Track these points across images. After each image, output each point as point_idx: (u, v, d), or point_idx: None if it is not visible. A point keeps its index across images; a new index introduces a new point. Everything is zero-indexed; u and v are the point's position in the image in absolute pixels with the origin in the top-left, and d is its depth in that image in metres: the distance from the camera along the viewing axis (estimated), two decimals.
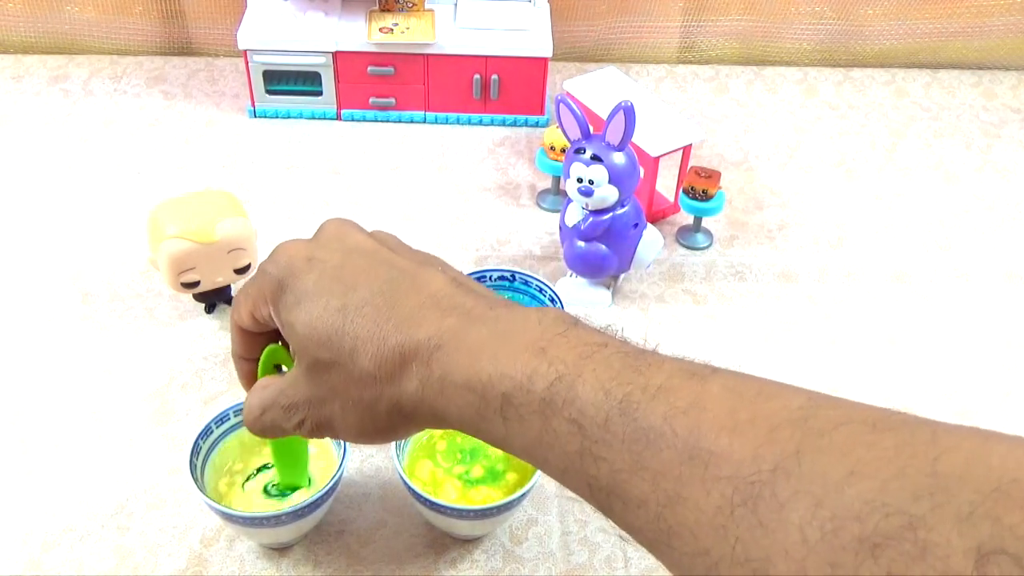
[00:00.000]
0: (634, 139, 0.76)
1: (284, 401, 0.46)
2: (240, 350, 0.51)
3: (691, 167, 0.89)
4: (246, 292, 0.48)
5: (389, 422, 0.42)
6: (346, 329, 0.42)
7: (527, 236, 0.92)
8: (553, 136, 0.90)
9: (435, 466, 0.67)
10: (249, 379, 0.52)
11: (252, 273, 0.79)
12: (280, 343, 0.52)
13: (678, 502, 0.32)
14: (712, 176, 0.87)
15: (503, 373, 0.38)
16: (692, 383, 0.34)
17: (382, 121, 1.05)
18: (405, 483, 0.63)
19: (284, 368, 0.53)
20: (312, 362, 0.43)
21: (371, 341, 0.41)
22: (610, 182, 0.76)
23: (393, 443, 0.65)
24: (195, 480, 0.62)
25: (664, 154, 0.88)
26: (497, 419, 0.38)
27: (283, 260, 0.46)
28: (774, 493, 0.30)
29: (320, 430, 0.45)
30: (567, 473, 0.37)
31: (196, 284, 0.77)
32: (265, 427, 0.47)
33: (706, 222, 0.92)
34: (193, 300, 0.82)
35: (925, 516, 0.26)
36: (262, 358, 0.52)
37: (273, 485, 0.66)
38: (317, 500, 0.62)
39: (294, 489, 0.65)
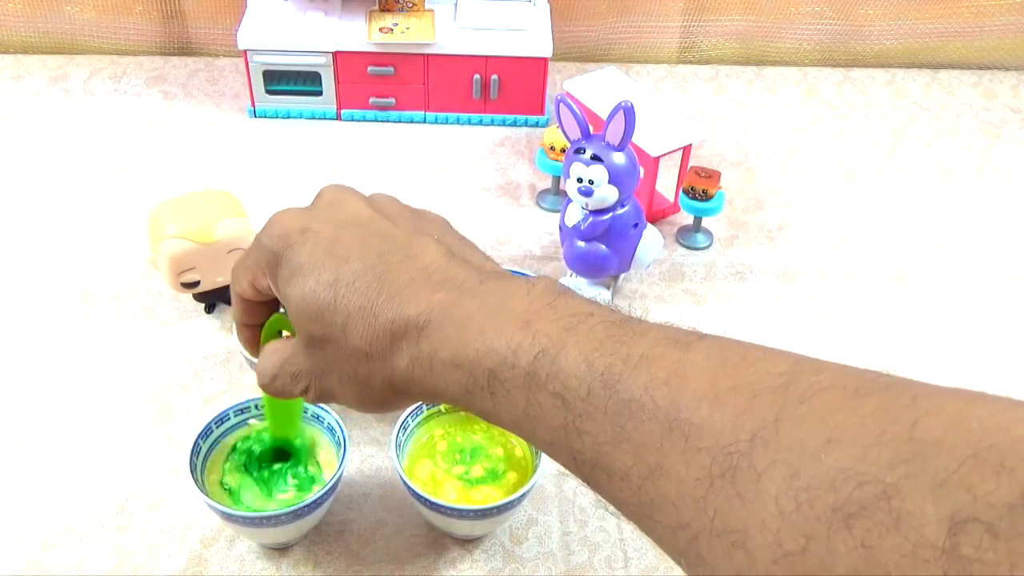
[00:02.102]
0: (634, 139, 0.76)
1: (290, 369, 0.46)
2: (243, 317, 0.51)
3: (691, 167, 0.89)
4: (244, 264, 0.48)
5: (384, 395, 0.43)
6: (338, 304, 0.42)
7: (527, 236, 0.92)
8: (553, 136, 0.90)
9: (435, 466, 0.67)
10: (252, 345, 0.52)
11: None
12: (283, 311, 0.52)
13: (659, 474, 0.32)
14: (712, 176, 0.87)
15: (490, 348, 0.38)
16: (675, 351, 0.34)
17: (382, 121, 1.05)
18: (405, 483, 0.63)
19: (285, 334, 0.52)
20: (308, 336, 0.44)
21: (362, 317, 0.41)
22: (610, 182, 0.76)
23: (393, 443, 0.65)
24: (195, 480, 0.62)
25: (664, 154, 0.88)
26: (485, 395, 0.38)
27: (277, 231, 0.45)
28: (752, 463, 0.29)
29: (324, 398, 0.46)
30: (553, 446, 0.37)
31: (196, 284, 0.77)
32: (277, 391, 0.47)
33: (706, 222, 0.92)
34: (193, 300, 0.82)
35: (899, 484, 0.26)
36: (266, 326, 0.52)
37: (257, 458, 0.65)
38: (317, 500, 0.62)
39: (279, 446, 0.64)
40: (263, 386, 0.48)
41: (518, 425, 0.38)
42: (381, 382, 0.42)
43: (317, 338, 0.43)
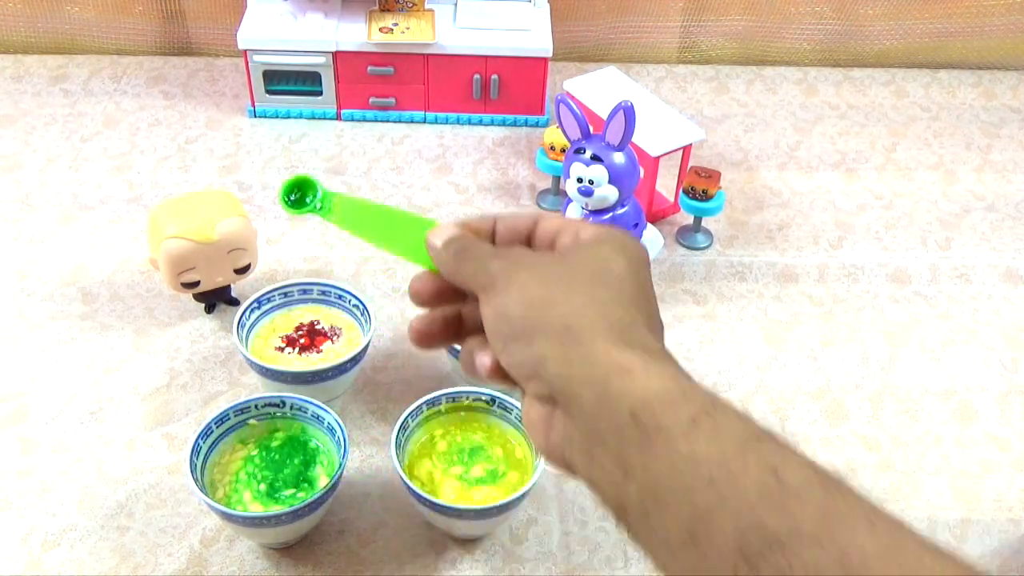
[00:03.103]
0: (634, 139, 0.76)
1: (492, 247, 0.44)
2: (507, 227, 0.46)
3: (691, 167, 0.89)
4: (575, 220, 0.45)
5: (555, 331, 0.39)
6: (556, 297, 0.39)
7: None
8: (553, 136, 0.90)
9: (434, 466, 0.67)
10: (468, 229, 0.46)
11: (252, 273, 0.79)
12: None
13: None
14: (712, 176, 0.87)
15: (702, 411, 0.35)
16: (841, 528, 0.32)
17: (382, 121, 1.05)
18: (405, 483, 0.63)
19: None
20: (564, 252, 0.43)
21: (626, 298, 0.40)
22: (610, 182, 0.76)
23: (393, 443, 0.65)
24: (195, 480, 0.62)
25: (664, 154, 0.88)
26: (685, 416, 0.35)
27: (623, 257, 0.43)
28: None
29: (490, 277, 0.42)
30: (728, 512, 0.33)
31: (196, 284, 0.77)
32: (454, 247, 0.45)
33: (706, 222, 0.92)
34: (193, 300, 0.82)
35: None
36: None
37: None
38: (317, 500, 0.62)
39: (312, 194, 0.55)
40: (441, 239, 0.45)
41: (703, 471, 0.34)
42: (567, 312, 0.39)
43: (566, 254, 0.43)
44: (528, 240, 0.46)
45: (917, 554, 0.31)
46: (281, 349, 0.74)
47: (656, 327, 0.42)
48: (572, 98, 0.92)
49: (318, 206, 0.54)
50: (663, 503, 0.35)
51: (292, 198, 0.55)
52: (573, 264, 0.42)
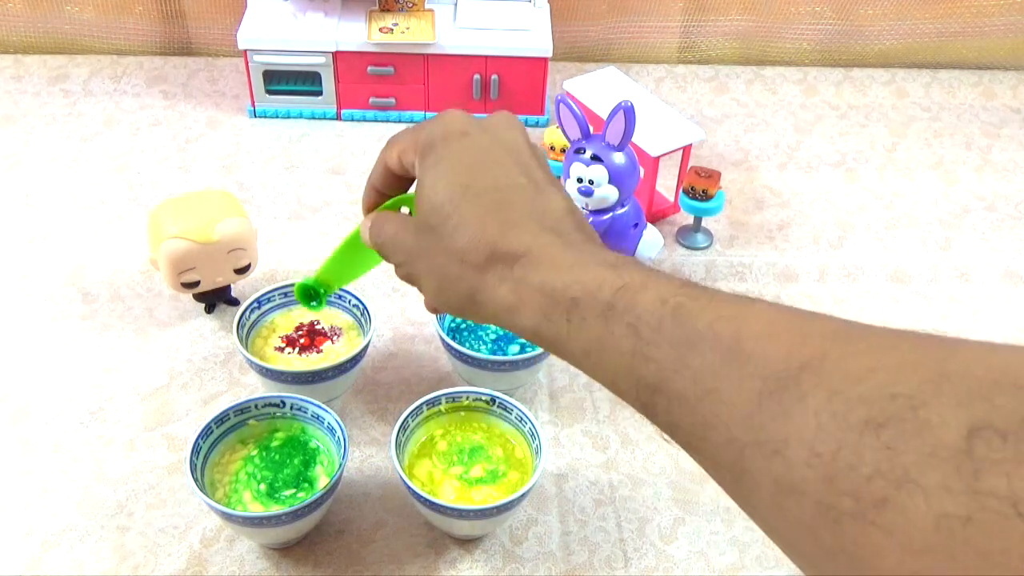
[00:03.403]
0: (634, 139, 0.76)
1: (399, 239, 0.51)
2: (377, 181, 0.55)
3: (691, 167, 0.89)
4: (401, 137, 0.52)
5: (460, 303, 0.47)
6: (458, 206, 0.46)
7: None
8: (553, 136, 0.90)
9: (434, 466, 0.67)
10: (370, 206, 0.56)
11: (252, 273, 0.80)
12: (412, 192, 0.54)
13: (714, 396, 0.36)
14: (712, 176, 0.87)
15: (577, 280, 0.42)
16: (739, 301, 0.38)
17: (382, 121, 1.05)
18: (405, 483, 0.63)
19: (405, 210, 0.55)
20: (423, 221, 0.48)
21: (472, 227, 0.46)
22: (610, 182, 0.76)
23: (393, 443, 0.65)
24: (195, 480, 0.62)
25: (664, 154, 0.88)
26: (561, 321, 0.42)
27: (442, 124, 0.50)
28: (798, 385, 0.33)
29: (409, 279, 0.51)
30: (618, 373, 0.40)
31: (196, 284, 0.77)
32: (379, 248, 0.53)
33: (706, 222, 0.92)
34: (193, 300, 0.82)
35: (927, 398, 0.29)
36: (392, 200, 0.55)
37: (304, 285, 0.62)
38: (317, 500, 0.62)
39: (319, 290, 0.62)
40: (366, 240, 0.53)
41: (586, 353, 0.42)
42: (465, 289, 0.46)
43: (429, 226, 0.47)
44: (405, 165, 0.52)
45: (797, 310, 0.37)
46: (281, 349, 0.74)
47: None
48: (572, 98, 0.92)
49: (325, 298, 0.63)
50: (590, 369, 0.43)
51: (313, 303, 0.63)
52: (436, 238, 0.48)
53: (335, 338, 0.75)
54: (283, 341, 0.75)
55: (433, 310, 0.55)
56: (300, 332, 0.75)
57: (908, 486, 0.29)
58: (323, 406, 0.67)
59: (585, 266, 0.43)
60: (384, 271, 0.87)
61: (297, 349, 0.74)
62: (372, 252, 0.55)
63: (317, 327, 0.76)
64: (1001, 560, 0.27)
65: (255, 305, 0.75)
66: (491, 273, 0.45)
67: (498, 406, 0.70)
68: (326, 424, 0.67)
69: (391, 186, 0.54)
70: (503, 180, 0.47)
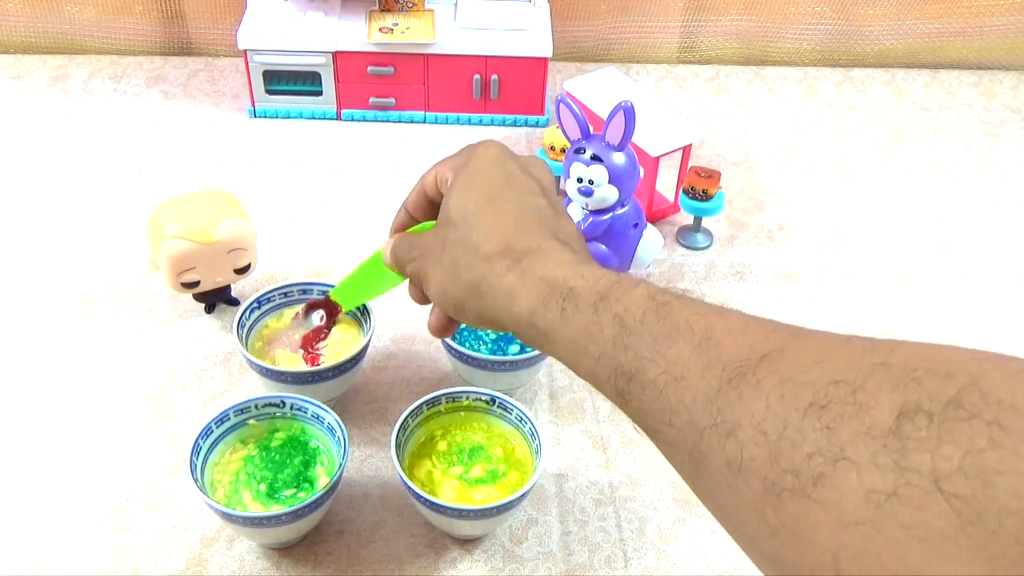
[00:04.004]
0: (634, 139, 0.76)
1: (415, 240, 0.55)
2: (410, 205, 0.58)
3: (691, 167, 0.89)
4: (441, 162, 0.56)
5: (463, 294, 0.50)
6: (482, 208, 0.50)
7: None
8: (553, 136, 0.90)
9: (434, 466, 0.67)
10: (397, 229, 0.59)
11: (252, 273, 0.80)
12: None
13: (682, 383, 0.38)
14: (712, 176, 0.87)
15: (577, 274, 0.46)
16: (718, 306, 0.41)
17: (382, 121, 1.05)
18: (405, 483, 0.63)
19: None
20: (446, 218, 0.52)
21: (491, 226, 0.49)
22: (610, 182, 0.76)
23: (393, 443, 0.65)
24: (195, 480, 0.62)
25: (664, 154, 0.88)
26: (556, 308, 0.45)
27: (483, 148, 0.54)
28: (755, 373, 0.36)
29: (419, 275, 0.54)
30: (599, 362, 0.43)
31: (196, 284, 0.77)
32: (395, 259, 0.56)
33: (706, 222, 0.92)
34: (193, 300, 0.82)
35: (866, 384, 0.32)
36: (419, 226, 0.58)
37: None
38: (317, 500, 0.62)
39: (332, 305, 0.67)
40: (391, 253, 0.57)
41: (574, 341, 0.44)
42: (470, 279, 0.49)
43: (451, 222, 0.51)
44: (441, 189, 0.55)
45: (769, 319, 0.39)
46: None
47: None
48: (572, 98, 0.92)
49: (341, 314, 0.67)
50: (573, 358, 0.46)
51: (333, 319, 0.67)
52: (454, 232, 0.51)
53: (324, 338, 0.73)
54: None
55: (421, 301, 0.57)
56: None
57: (842, 463, 0.31)
58: (323, 406, 0.67)
59: (587, 264, 0.47)
60: None
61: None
62: (389, 275, 0.58)
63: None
64: (922, 533, 0.28)
65: (255, 305, 0.75)
66: (499, 263, 0.48)
67: (498, 406, 0.70)
68: (326, 424, 0.67)
69: (423, 211, 0.58)
70: (527, 199, 0.51)
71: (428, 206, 0.57)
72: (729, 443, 0.35)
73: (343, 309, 0.67)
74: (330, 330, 0.69)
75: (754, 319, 0.39)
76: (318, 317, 0.68)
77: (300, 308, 0.70)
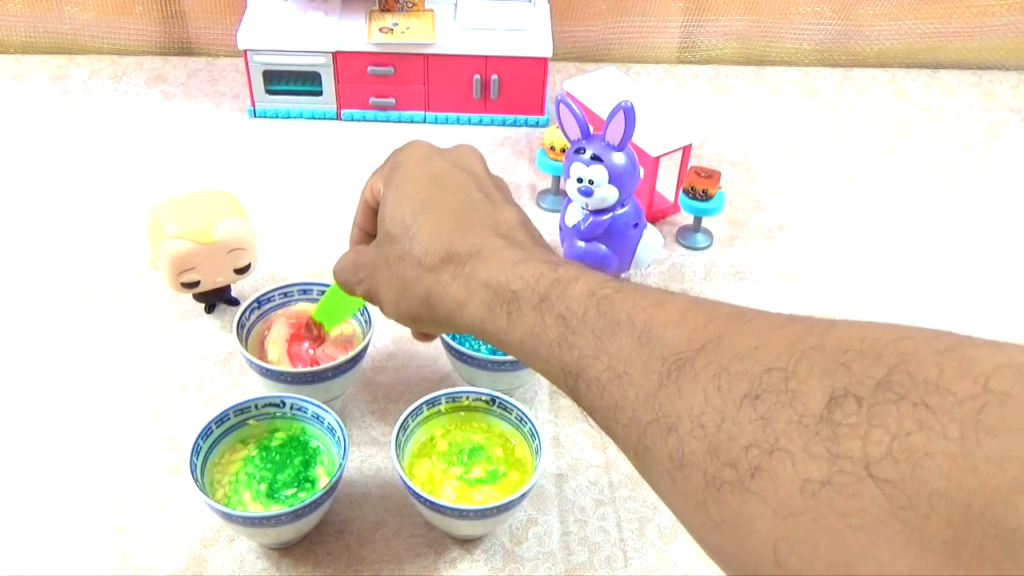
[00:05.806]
0: (634, 139, 0.76)
1: (359, 260, 0.55)
2: (359, 219, 0.58)
3: (691, 167, 0.89)
4: (375, 172, 0.56)
5: (417, 308, 0.50)
6: (417, 218, 0.50)
7: None
8: (553, 136, 0.90)
9: (434, 466, 0.67)
10: (356, 244, 0.60)
11: (252, 273, 0.80)
12: None
13: (625, 379, 0.38)
14: (712, 176, 0.87)
15: (519, 275, 0.45)
16: (661, 293, 0.41)
17: (382, 121, 1.05)
18: (405, 483, 0.63)
19: None
20: (384, 233, 0.52)
21: (429, 235, 0.49)
22: (610, 182, 0.76)
23: (393, 443, 0.65)
24: (195, 480, 0.62)
25: (664, 154, 0.88)
26: (503, 314, 0.45)
27: (406, 151, 0.54)
28: (693, 366, 0.36)
29: (370, 296, 0.54)
30: (549, 362, 0.43)
31: (196, 284, 0.77)
32: (342, 278, 0.56)
33: (706, 222, 0.92)
34: (193, 300, 0.82)
35: (797, 371, 0.32)
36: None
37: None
38: (317, 500, 0.62)
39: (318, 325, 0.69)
40: (335, 269, 0.57)
41: (523, 344, 0.44)
42: (420, 292, 0.49)
43: (390, 236, 0.51)
44: (378, 197, 0.55)
45: (715, 300, 0.40)
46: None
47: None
48: (572, 98, 0.92)
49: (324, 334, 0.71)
50: (527, 359, 0.46)
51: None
52: (396, 248, 0.51)
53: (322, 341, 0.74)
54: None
55: (422, 338, 0.58)
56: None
57: (778, 453, 0.31)
58: (323, 406, 0.67)
59: (528, 262, 0.46)
60: None
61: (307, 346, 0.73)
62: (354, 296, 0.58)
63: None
64: (857, 521, 0.28)
65: (255, 305, 0.75)
66: (444, 272, 0.48)
67: (498, 406, 0.70)
68: (326, 424, 0.67)
69: (374, 224, 0.56)
70: (461, 196, 0.51)
71: (376, 218, 0.57)
72: (670, 438, 0.35)
73: (326, 329, 0.69)
74: (320, 344, 0.72)
75: (696, 305, 0.39)
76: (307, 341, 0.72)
77: (287, 335, 0.73)
